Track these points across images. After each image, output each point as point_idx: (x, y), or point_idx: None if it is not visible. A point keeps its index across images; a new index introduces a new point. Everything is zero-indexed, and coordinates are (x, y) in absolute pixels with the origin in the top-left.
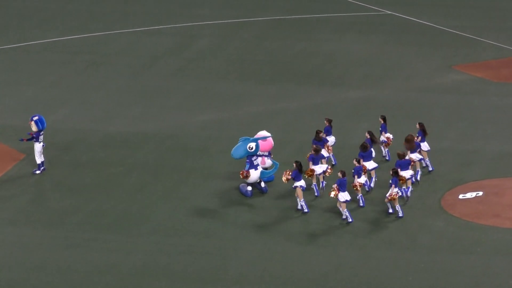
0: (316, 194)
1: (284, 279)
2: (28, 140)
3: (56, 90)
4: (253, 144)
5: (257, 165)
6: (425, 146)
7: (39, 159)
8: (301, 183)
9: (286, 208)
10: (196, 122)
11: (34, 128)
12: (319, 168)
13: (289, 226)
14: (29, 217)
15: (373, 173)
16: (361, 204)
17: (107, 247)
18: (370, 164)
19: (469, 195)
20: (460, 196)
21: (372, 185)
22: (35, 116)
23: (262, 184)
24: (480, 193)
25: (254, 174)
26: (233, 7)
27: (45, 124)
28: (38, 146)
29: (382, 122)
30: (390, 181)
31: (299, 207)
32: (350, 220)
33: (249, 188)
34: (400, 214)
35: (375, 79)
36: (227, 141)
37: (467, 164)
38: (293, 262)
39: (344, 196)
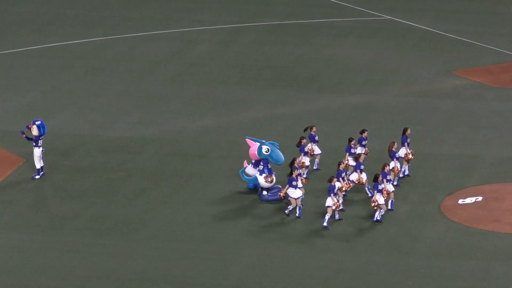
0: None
1: (283, 284)
2: (27, 138)
3: (55, 95)
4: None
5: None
6: (402, 152)
7: (38, 164)
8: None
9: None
10: (196, 127)
11: (35, 132)
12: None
13: (289, 231)
14: (29, 222)
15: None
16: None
17: (107, 252)
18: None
19: (469, 200)
20: (460, 201)
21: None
22: (38, 120)
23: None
24: (480, 198)
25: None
26: (232, 12)
27: (46, 130)
28: (37, 151)
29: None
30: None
31: (297, 214)
32: (326, 225)
33: (264, 192)
34: (375, 218)
35: (374, 84)
36: (226, 146)
37: (467, 169)
38: (293, 267)
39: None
